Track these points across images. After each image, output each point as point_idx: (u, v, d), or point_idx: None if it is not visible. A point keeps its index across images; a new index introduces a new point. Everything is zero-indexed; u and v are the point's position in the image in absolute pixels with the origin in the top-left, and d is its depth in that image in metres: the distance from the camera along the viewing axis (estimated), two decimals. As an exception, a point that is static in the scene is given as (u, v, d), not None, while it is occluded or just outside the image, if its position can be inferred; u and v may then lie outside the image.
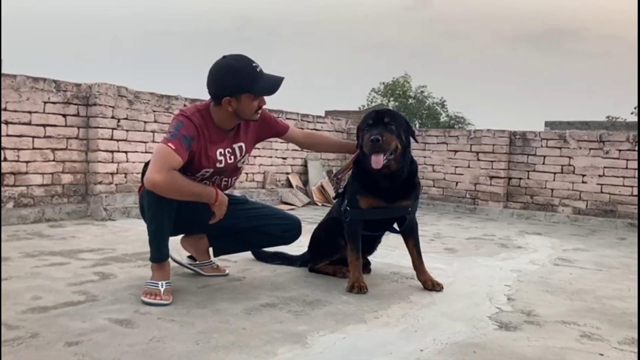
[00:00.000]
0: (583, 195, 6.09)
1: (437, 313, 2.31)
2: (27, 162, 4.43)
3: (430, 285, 2.68)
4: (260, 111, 2.46)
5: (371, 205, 2.62)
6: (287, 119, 6.66)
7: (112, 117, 4.87)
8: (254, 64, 2.36)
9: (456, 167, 6.84)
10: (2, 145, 4.26)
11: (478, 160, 6.66)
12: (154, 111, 5.23)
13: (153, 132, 5.22)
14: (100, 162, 4.79)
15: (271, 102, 2.50)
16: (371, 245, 2.97)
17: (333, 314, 2.23)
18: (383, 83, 39.41)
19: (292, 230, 2.75)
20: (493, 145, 6.55)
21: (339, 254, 2.83)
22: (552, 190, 6.28)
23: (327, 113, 17.18)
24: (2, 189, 4.26)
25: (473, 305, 2.45)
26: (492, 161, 6.55)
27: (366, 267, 2.96)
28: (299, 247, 2.91)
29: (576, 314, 2.39)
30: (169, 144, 2.21)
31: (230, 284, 2.65)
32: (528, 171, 6.43)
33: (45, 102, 4.53)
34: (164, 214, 2.34)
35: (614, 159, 5.91)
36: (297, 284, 2.70)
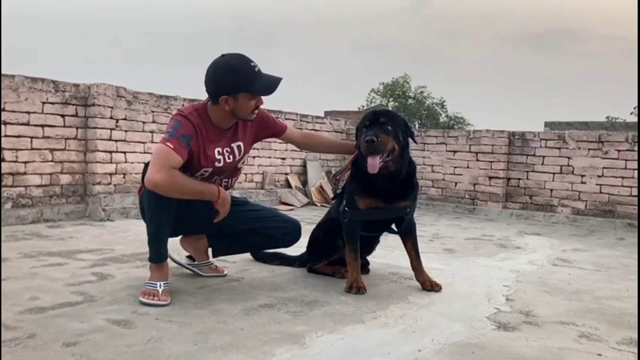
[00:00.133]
0: (582, 195, 6.09)
1: (436, 313, 2.31)
2: (25, 162, 4.43)
3: (429, 286, 2.68)
4: (257, 111, 2.46)
5: (369, 206, 2.62)
6: (286, 119, 6.65)
7: (111, 118, 4.87)
8: (252, 64, 2.36)
9: (455, 167, 6.84)
10: (1, 145, 4.25)
11: (477, 160, 6.66)
12: (153, 111, 5.23)
13: (152, 132, 5.22)
14: (98, 162, 4.79)
15: (270, 102, 2.50)
16: (369, 245, 2.97)
17: (331, 315, 2.23)
18: (382, 83, 39.48)
19: (292, 233, 2.75)
20: (492, 145, 6.55)
21: (338, 254, 2.83)
22: (551, 190, 6.28)
23: (327, 113, 17.19)
24: (0, 189, 4.25)
25: (471, 306, 2.45)
26: (491, 161, 6.55)
27: (364, 267, 2.96)
28: (297, 247, 2.90)
29: (574, 314, 2.39)
30: (168, 144, 2.20)
31: (228, 285, 2.65)
32: (527, 171, 6.43)
33: (43, 103, 4.52)
34: (163, 214, 2.33)
35: (613, 159, 5.91)
36: (296, 285, 2.69)
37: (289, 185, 6.81)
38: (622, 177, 5.85)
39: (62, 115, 4.66)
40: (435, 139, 7.02)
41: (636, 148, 5.76)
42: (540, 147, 6.35)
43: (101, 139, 4.80)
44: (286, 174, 6.88)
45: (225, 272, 2.83)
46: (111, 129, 4.87)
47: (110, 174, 4.90)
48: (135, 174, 5.05)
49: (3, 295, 2.28)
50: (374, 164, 2.43)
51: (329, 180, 6.98)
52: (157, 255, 2.39)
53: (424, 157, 7.02)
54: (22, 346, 1.76)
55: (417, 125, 32.70)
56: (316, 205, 6.66)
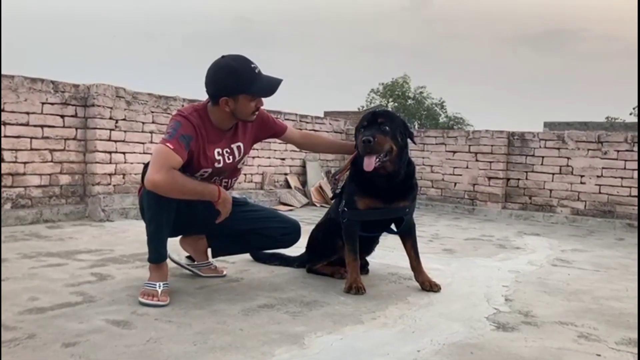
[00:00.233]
0: (581, 195, 6.10)
1: (435, 314, 2.31)
2: (24, 163, 4.43)
3: (428, 286, 2.68)
4: (257, 112, 2.46)
5: (368, 206, 2.62)
6: (286, 119, 6.65)
7: (110, 118, 4.87)
8: (252, 65, 2.36)
9: (455, 167, 6.85)
10: (0, 146, 4.25)
11: (477, 161, 6.67)
12: (152, 112, 5.23)
13: (151, 132, 5.22)
14: (98, 163, 4.79)
15: (270, 103, 2.50)
16: (369, 246, 2.97)
17: (330, 315, 2.23)
18: (382, 84, 39.54)
19: (291, 233, 2.75)
20: (491, 146, 6.56)
21: (337, 254, 2.83)
22: (550, 190, 6.28)
23: (326, 114, 17.21)
24: (0, 190, 4.25)
25: (471, 306, 2.45)
26: (490, 162, 6.56)
27: (364, 267, 2.96)
28: (297, 248, 2.90)
29: (574, 315, 2.39)
30: (168, 144, 2.20)
31: (228, 285, 2.65)
32: (526, 172, 6.44)
33: (43, 103, 4.52)
34: (163, 214, 2.34)
35: (613, 159, 5.92)
36: (295, 285, 2.69)
37: (288, 186, 6.81)
38: (622, 178, 5.86)
39: (62, 116, 4.66)
40: (434, 139, 7.02)
41: (635, 148, 5.77)
42: (540, 147, 6.35)
43: (100, 140, 4.80)
44: (285, 174, 6.88)
45: (225, 273, 2.83)
46: (110, 130, 4.87)
47: (110, 175, 4.90)
48: (135, 174, 5.05)
49: (3, 295, 2.28)
50: (369, 162, 2.44)
51: (328, 180, 6.98)
52: (157, 255, 2.39)
53: (423, 158, 7.02)
54: (21, 346, 1.76)
55: (416, 126, 32.72)
56: (315, 205, 6.67)
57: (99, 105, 4.77)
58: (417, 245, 2.76)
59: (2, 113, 4.26)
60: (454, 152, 6.85)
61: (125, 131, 4.99)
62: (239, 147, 2.53)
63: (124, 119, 4.98)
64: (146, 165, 2.29)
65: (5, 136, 4.28)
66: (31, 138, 4.46)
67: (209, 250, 2.80)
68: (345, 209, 2.65)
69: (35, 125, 4.48)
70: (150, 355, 1.74)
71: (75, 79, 4.93)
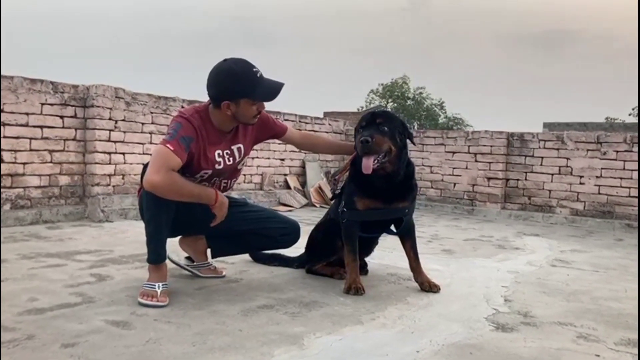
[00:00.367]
0: (581, 196, 6.10)
1: (434, 314, 2.31)
2: (24, 163, 4.43)
3: (427, 287, 2.68)
4: (258, 116, 2.47)
5: (368, 207, 2.62)
6: (285, 120, 6.66)
7: (110, 119, 4.87)
8: (254, 69, 2.36)
9: (454, 168, 6.85)
10: (0, 146, 4.25)
11: (476, 161, 6.67)
12: (152, 113, 5.23)
13: (151, 133, 5.22)
14: (97, 163, 4.79)
15: (270, 103, 2.51)
16: (368, 246, 2.97)
17: (330, 316, 2.23)
18: (382, 84, 39.55)
19: (291, 234, 2.75)
20: (491, 146, 6.56)
21: (336, 255, 2.83)
22: (549, 191, 6.29)
23: (326, 114, 17.21)
24: (-1, 190, 4.25)
25: (470, 307, 2.45)
26: (490, 162, 6.56)
27: (363, 268, 2.96)
28: (296, 248, 2.91)
29: (573, 315, 2.39)
30: (168, 145, 2.21)
31: (227, 286, 2.65)
32: (526, 172, 6.44)
33: (42, 104, 4.52)
34: (162, 215, 2.34)
35: (612, 160, 5.92)
36: (294, 286, 2.70)
37: (287, 186, 6.81)
38: (621, 178, 5.86)
39: (61, 117, 4.66)
40: (434, 139, 7.03)
41: (635, 149, 5.77)
42: (539, 148, 6.36)
43: (100, 140, 4.80)
44: (285, 174, 6.88)
45: (224, 273, 2.83)
46: (110, 130, 4.87)
47: (109, 175, 4.90)
48: (134, 175, 5.05)
49: (2, 296, 2.28)
50: (367, 164, 2.44)
51: (328, 180, 6.99)
52: (156, 256, 2.39)
53: (422, 158, 7.02)
54: (20, 347, 1.76)
55: (416, 126, 32.73)
56: (315, 206, 6.67)
57: (98, 106, 4.77)
58: (417, 246, 2.76)
59: (2, 114, 4.26)
60: (454, 152, 6.86)
61: (124, 132, 5.00)
62: (239, 149, 2.53)
63: (123, 120, 4.98)
64: (146, 166, 2.30)
65: (4, 137, 4.29)
66: (30, 139, 4.46)
67: (209, 251, 2.80)
68: (345, 209, 2.65)
69: (34, 126, 4.48)
70: (150, 355, 1.74)
71: (75, 79, 4.93)
